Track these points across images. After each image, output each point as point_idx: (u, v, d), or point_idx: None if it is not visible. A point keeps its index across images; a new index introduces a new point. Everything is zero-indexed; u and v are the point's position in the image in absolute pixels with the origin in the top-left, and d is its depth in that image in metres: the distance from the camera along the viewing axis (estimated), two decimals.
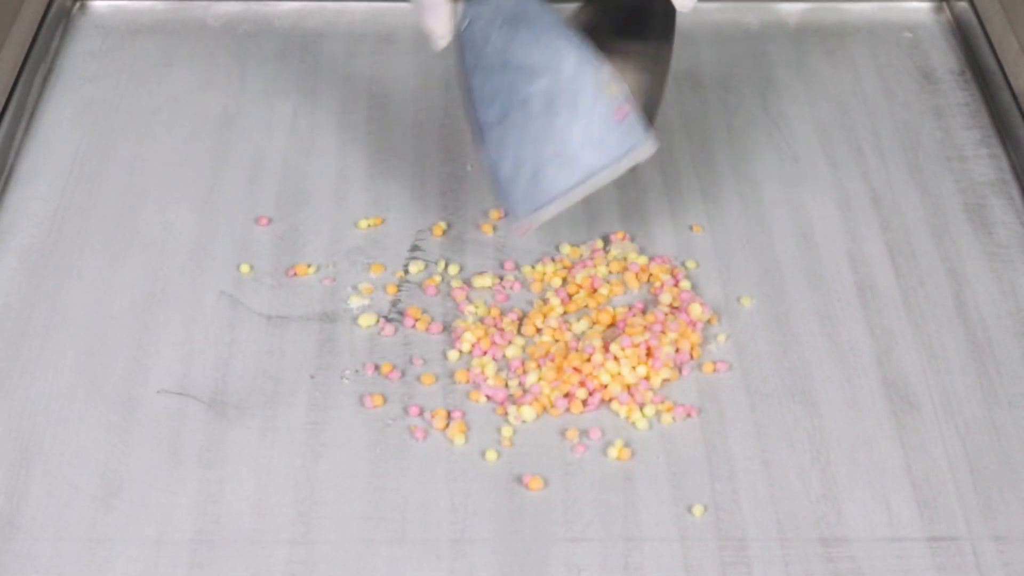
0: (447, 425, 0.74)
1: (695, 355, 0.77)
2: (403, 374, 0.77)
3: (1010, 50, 0.95)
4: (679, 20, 1.03)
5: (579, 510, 0.70)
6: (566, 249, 0.83)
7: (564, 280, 0.81)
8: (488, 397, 0.75)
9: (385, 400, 0.75)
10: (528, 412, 0.74)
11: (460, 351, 0.77)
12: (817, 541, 0.69)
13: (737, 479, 0.71)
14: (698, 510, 0.70)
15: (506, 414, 0.74)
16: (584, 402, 0.74)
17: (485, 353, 0.77)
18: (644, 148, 0.76)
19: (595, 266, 0.82)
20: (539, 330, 0.78)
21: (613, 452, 0.72)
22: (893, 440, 0.73)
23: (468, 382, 0.76)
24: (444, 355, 0.78)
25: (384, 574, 0.68)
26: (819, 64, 0.98)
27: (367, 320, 0.79)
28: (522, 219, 0.74)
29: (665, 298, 0.80)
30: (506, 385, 0.75)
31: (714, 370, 0.77)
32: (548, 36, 0.76)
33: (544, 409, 0.74)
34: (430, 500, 0.71)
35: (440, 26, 0.78)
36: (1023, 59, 0.94)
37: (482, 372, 0.76)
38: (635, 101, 0.76)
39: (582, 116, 0.75)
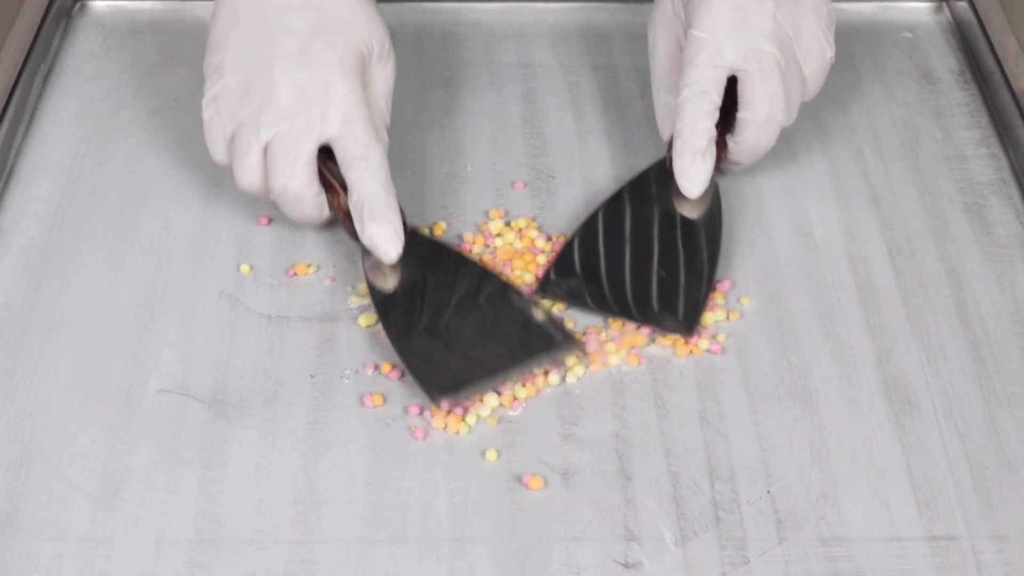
0: (447, 425, 0.74)
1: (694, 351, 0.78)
2: (403, 374, 0.77)
3: (1010, 50, 0.95)
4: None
5: (579, 510, 0.70)
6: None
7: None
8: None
9: (385, 400, 0.75)
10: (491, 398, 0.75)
11: None
12: (817, 541, 0.69)
13: (737, 479, 0.72)
14: (697, 510, 0.70)
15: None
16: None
17: None
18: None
19: None
20: None
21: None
22: (893, 440, 0.74)
23: None
24: None
25: (384, 574, 0.68)
26: None
27: (367, 320, 0.79)
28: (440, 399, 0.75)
29: None
30: None
31: (714, 369, 0.77)
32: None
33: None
34: (430, 500, 0.71)
35: (393, 237, 0.78)
36: (1023, 59, 0.94)
37: None
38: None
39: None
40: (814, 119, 0.93)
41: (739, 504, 0.70)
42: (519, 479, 0.72)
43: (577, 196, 0.87)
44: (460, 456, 0.73)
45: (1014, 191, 0.88)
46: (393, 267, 0.79)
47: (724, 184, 0.88)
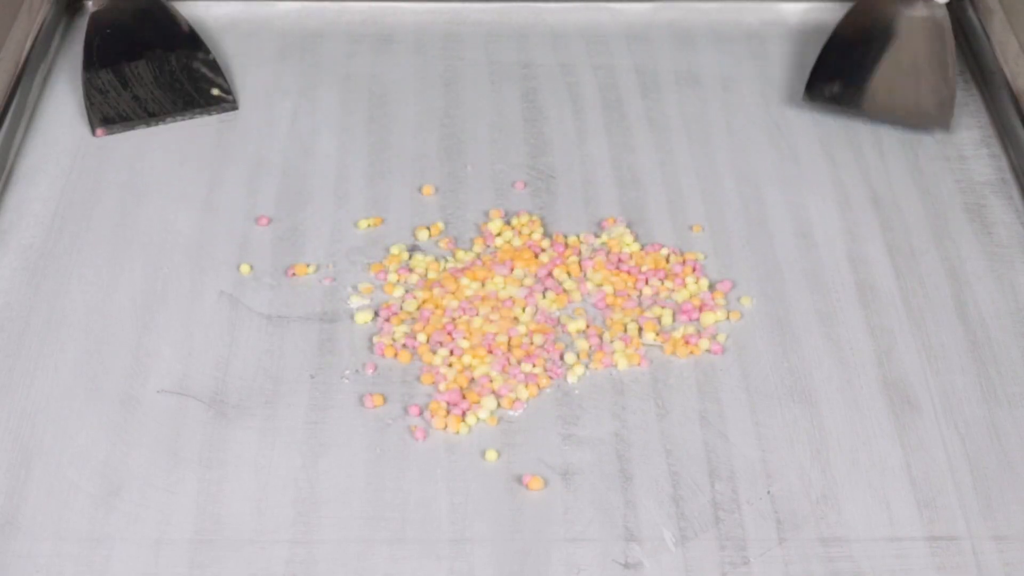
0: (447, 425, 0.74)
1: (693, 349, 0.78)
2: (403, 374, 0.77)
3: (1010, 50, 0.95)
4: (680, 19, 1.03)
5: (579, 510, 0.70)
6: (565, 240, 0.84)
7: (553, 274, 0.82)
8: (448, 403, 0.75)
9: (385, 400, 0.75)
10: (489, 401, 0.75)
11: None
12: (817, 541, 0.69)
13: (737, 479, 0.72)
14: (697, 510, 0.70)
15: (467, 412, 0.75)
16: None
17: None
18: None
19: (592, 257, 0.82)
20: (531, 332, 0.79)
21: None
22: (893, 440, 0.74)
23: (432, 383, 0.76)
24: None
25: (384, 574, 0.68)
26: None
27: (366, 319, 0.79)
28: None
29: (690, 287, 0.81)
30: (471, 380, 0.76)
31: (714, 369, 0.77)
32: None
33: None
34: (430, 500, 0.71)
35: None
36: (1023, 59, 0.94)
37: (447, 373, 0.76)
38: None
39: None
40: (814, 119, 0.93)
41: (739, 504, 0.70)
42: (519, 479, 0.72)
43: (577, 196, 0.87)
44: (460, 456, 0.73)
45: (1014, 191, 0.88)
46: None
47: (722, 184, 0.88)
